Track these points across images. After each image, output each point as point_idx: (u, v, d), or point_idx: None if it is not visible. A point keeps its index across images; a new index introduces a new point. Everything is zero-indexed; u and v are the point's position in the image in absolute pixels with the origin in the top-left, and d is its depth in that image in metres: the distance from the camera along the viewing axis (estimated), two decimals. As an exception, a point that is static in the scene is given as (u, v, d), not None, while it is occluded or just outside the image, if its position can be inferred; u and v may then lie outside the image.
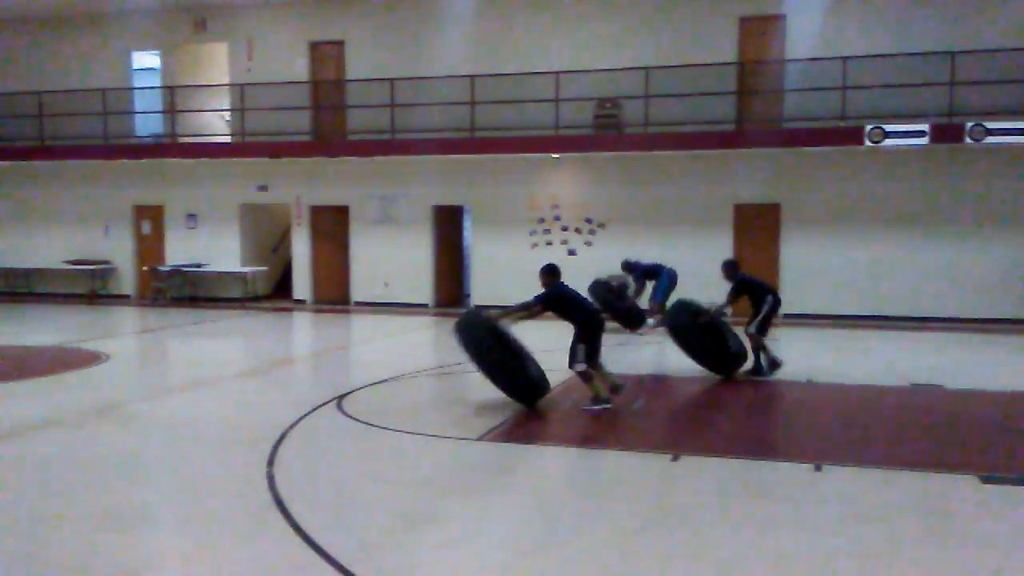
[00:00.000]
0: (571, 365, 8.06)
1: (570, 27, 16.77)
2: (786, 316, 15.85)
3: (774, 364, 10.01)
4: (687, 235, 16.29)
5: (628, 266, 14.53)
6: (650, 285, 14.50)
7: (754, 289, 10.10)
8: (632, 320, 13.53)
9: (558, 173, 17.01)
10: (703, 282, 16.20)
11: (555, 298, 8.05)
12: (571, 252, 16.89)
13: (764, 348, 10.03)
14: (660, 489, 5.84)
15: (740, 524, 5.12)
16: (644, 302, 14.41)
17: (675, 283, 14.33)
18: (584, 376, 8.04)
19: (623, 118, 16.32)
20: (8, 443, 6.88)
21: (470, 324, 8.13)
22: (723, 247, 16.18)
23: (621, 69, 15.96)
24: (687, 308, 10.12)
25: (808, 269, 15.84)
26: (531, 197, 17.09)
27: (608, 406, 7.98)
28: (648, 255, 16.48)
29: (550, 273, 8.18)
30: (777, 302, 10.10)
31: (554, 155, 16.57)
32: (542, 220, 17.07)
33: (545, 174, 17.04)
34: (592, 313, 8.26)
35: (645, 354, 12.27)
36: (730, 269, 10.20)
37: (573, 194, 16.96)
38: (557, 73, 15.97)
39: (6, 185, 19.91)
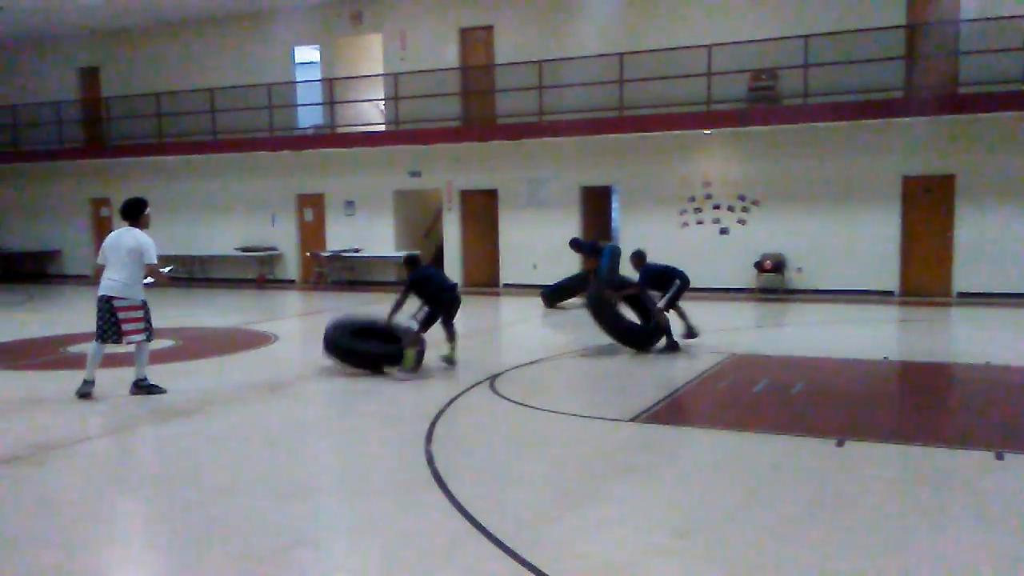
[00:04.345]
0: (396, 308, 8.85)
1: (721, -3, 16.23)
2: (959, 295, 14.84)
3: (673, 346, 10.11)
4: (849, 211, 15.52)
5: (579, 244, 15.09)
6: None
7: (660, 276, 10.25)
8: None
9: (710, 149, 16.55)
10: (866, 263, 15.46)
11: (416, 285, 8.95)
12: (723, 231, 16.45)
13: (668, 327, 10.13)
14: (824, 475, 5.58)
15: (913, 515, 4.82)
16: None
17: (617, 261, 14.42)
18: (412, 341, 8.72)
19: (780, 89, 15.66)
20: (189, 419, 7.39)
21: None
22: (890, 223, 15.34)
23: (777, 39, 15.29)
24: (608, 284, 10.70)
25: (985, 244, 14.72)
26: (682, 175, 16.72)
27: (412, 375, 8.65)
28: (806, 233, 15.91)
29: (409, 264, 9.20)
30: (684, 284, 10.28)
31: (705, 131, 16.12)
32: (692, 198, 16.68)
33: (696, 151, 16.62)
34: (446, 293, 9.09)
35: (808, 334, 11.79)
36: (637, 259, 10.45)
37: (725, 171, 16.46)
38: (709, 46, 15.50)
39: (183, 177, 21.40)
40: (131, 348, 8.11)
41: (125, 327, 7.86)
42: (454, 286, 9.41)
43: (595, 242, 15.66)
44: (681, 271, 10.44)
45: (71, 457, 6.29)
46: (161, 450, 6.61)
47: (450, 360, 9.27)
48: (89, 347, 8.07)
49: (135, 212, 8.04)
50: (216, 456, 6.30)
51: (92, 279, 8.22)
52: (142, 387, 8.06)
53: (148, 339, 8.06)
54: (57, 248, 23.27)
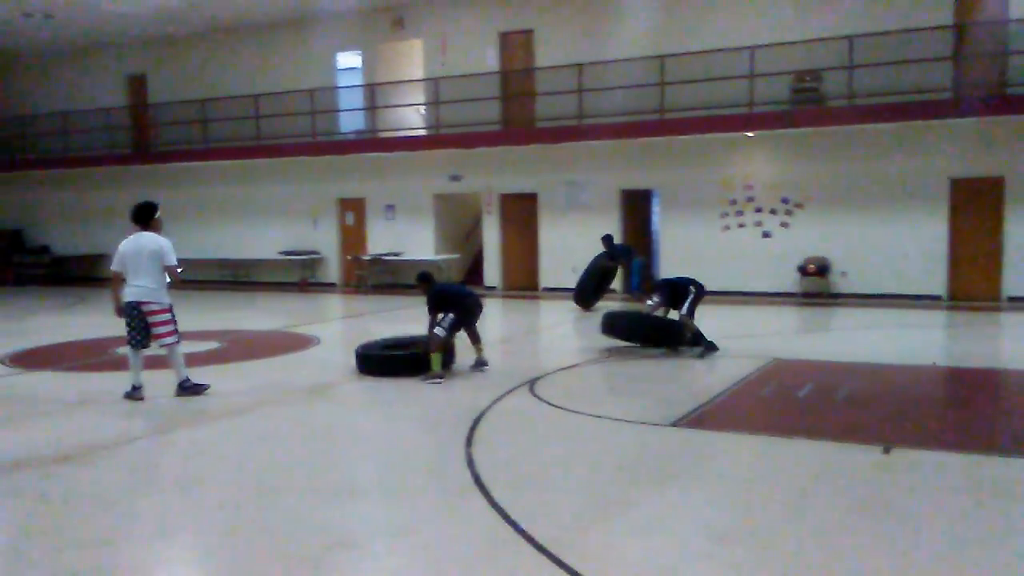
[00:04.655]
0: (432, 328, 8.85)
1: (764, -2, 16.06)
2: (1011, 299, 14.50)
3: (711, 346, 10.12)
4: (895, 214, 15.23)
5: (612, 245, 15.13)
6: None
7: (676, 289, 10.33)
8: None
9: (752, 152, 16.37)
10: (913, 266, 15.17)
11: (438, 298, 9.02)
12: (765, 234, 16.25)
13: (699, 331, 10.18)
14: (870, 483, 5.48)
15: (961, 524, 4.71)
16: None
17: (646, 274, 14.83)
18: (435, 345, 8.72)
19: (823, 91, 15.44)
20: (232, 420, 7.49)
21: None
22: (937, 226, 15.05)
23: (821, 40, 15.07)
24: (624, 317, 10.87)
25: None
26: (723, 178, 16.55)
27: (439, 380, 8.66)
28: (851, 236, 15.67)
29: (425, 282, 9.23)
30: (700, 291, 10.28)
31: (748, 133, 15.94)
32: (734, 201, 16.50)
33: (738, 154, 16.45)
34: (468, 299, 9.24)
35: (852, 339, 11.61)
36: (651, 281, 11.01)
37: (768, 173, 16.26)
38: (752, 48, 15.33)
39: (227, 182, 21.71)
40: (163, 351, 8.17)
41: (155, 331, 7.97)
42: (472, 292, 9.68)
43: (629, 247, 15.60)
44: (695, 279, 10.44)
45: (119, 457, 6.42)
46: (204, 450, 6.71)
47: (482, 363, 9.33)
48: (128, 355, 8.20)
49: (146, 216, 8.08)
50: (258, 457, 6.38)
51: (112, 284, 8.26)
52: (186, 388, 8.18)
53: (177, 341, 8.12)
54: (105, 252, 23.71)
